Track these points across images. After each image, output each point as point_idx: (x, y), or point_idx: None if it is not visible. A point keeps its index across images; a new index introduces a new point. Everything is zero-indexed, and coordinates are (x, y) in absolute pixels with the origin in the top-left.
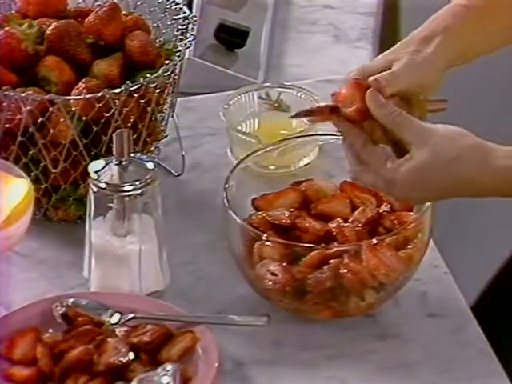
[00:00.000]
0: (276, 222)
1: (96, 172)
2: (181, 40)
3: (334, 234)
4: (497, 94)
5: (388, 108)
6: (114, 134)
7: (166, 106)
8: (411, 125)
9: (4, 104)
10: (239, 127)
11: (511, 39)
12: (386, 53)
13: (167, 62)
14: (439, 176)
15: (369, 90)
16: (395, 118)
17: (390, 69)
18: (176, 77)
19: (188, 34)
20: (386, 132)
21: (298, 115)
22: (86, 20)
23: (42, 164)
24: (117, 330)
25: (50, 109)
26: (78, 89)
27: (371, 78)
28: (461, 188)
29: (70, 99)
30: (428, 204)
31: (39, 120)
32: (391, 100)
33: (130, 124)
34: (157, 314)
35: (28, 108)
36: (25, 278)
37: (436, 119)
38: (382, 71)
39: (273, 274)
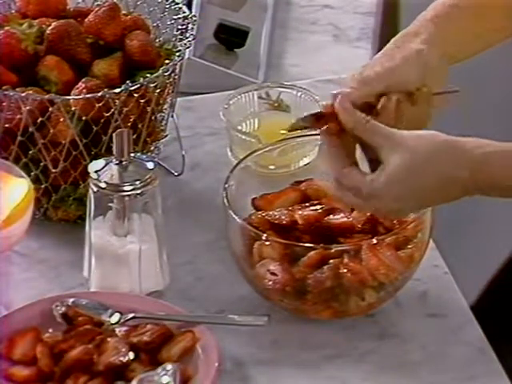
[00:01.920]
0: (276, 221)
1: (96, 172)
2: (181, 40)
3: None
4: (497, 94)
5: (356, 116)
6: (114, 134)
7: (165, 106)
8: (381, 131)
9: (4, 104)
10: (239, 127)
11: (501, 39)
12: (383, 57)
13: (167, 61)
14: (418, 177)
15: (338, 98)
16: (366, 125)
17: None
18: (176, 77)
19: (188, 34)
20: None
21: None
22: (85, 20)
23: (42, 164)
24: (117, 330)
25: (50, 109)
26: (77, 89)
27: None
28: (443, 187)
29: (69, 99)
30: None
31: (39, 120)
32: (393, 99)
33: (129, 124)
34: (157, 314)
35: (28, 108)
36: (25, 278)
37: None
38: (381, 80)
39: (273, 273)
